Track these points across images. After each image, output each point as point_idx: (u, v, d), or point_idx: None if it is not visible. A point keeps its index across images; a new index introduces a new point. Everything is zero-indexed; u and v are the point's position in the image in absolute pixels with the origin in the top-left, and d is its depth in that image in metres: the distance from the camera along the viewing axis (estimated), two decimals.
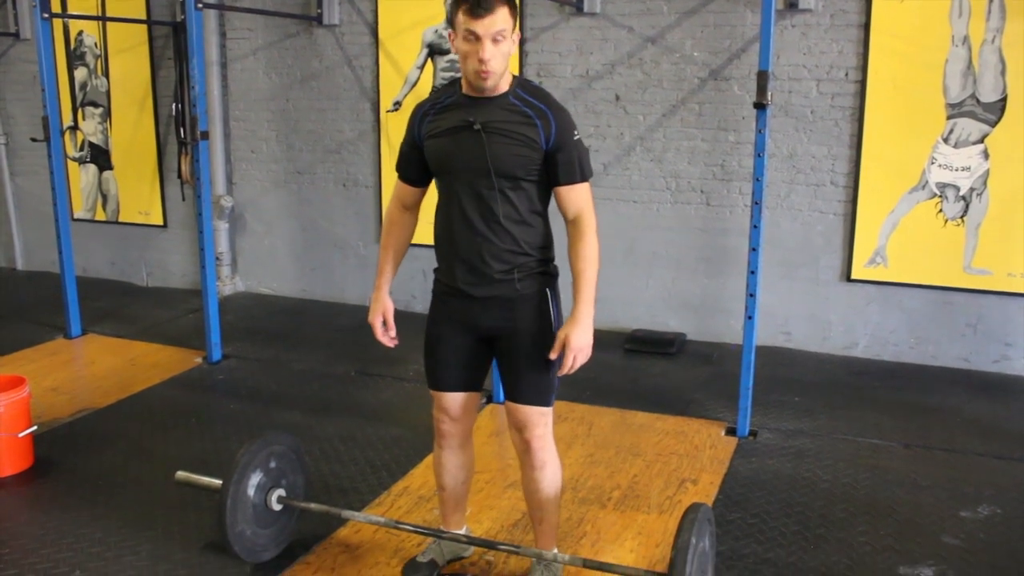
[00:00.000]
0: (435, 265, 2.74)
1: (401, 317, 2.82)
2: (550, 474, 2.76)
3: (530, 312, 2.61)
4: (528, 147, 2.50)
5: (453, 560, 3.02)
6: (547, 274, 2.65)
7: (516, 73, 2.65)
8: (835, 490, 3.56)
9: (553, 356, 2.58)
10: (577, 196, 2.58)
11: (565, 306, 2.64)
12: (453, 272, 2.63)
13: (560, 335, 2.55)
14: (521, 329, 2.61)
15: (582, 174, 2.58)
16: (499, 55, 2.41)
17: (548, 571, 2.84)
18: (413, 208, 2.79)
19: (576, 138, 2.56)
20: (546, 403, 2.68)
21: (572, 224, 2.59)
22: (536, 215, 2.60)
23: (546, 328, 2.62)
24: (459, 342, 2.69)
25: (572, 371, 2.56)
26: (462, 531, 3.02)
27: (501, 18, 2.37)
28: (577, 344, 2.52)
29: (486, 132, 2.49)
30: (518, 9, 2.43)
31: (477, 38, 2.38)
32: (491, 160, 2.48)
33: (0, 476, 3.66)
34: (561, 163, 2.54)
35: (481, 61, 2.39)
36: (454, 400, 2.77)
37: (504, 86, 2.52)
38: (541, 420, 2.68)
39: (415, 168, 2.70)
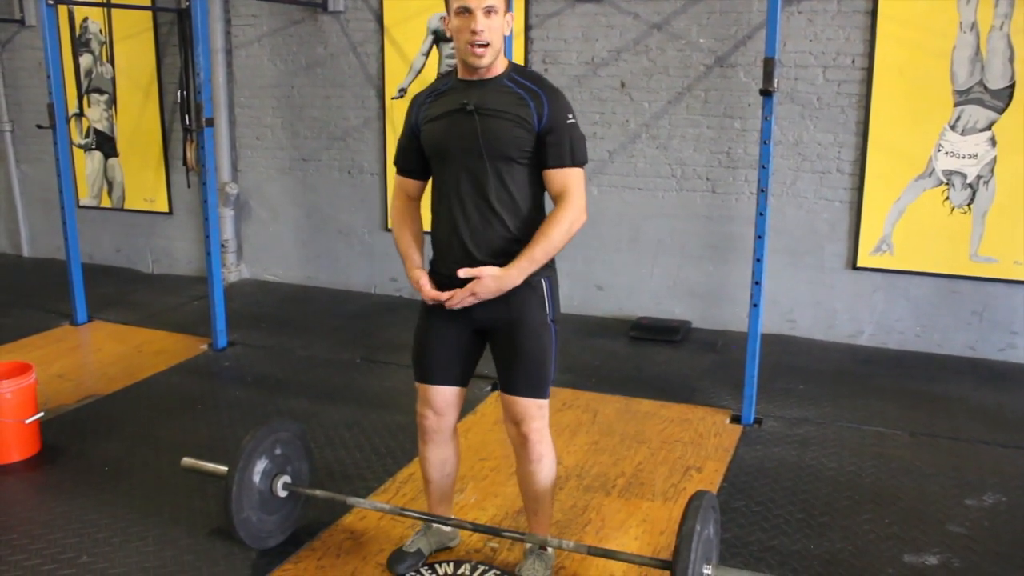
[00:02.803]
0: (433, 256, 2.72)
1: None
2: (547, 466, 2.75)
3: (525, 303, 2.59)
4: (521, 127, 2.49)
5: (440, 550, 3.02)
6: (539, 277, 2.62)
7: (520, 62, 2.64)
8: (840, 478, 3.56)
9: (462, 274, 2.51)
10: (564, 178, 2.54)
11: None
12: (447, 259, 2.62)
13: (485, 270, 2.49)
14: (516, 320, 2.59)
15: (572, 158, 2.54)
16: (492, 28, 2.43)
17: (540, 560, 2.84)
18: (418, 198, 2.77)
19: (570, 122, 2.53)
20: (543, 395, 2.67)
21: (556, 199, 2.56)
22: (530, 203, 2.58)
23: (542, 320, 2.62)
24: (452, 334, 2.67)
25: (454, 302, 2.49)
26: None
27: None
28: (485, 285, 2.45)
29: (479, 114, 2.49)
30: None
31: (469, 12, 2.40)
32: (483, 140, 2.48)
33: (7, 462, 3.68)
34: (551, 145, 2.51)
35: (473, 32, 2.41)
36: (441, 394, 2.75)
37: (499, 68, 2.53)
38: (539, 413, 2.67)
39: (416, 159, 2.68)
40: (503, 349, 2.65)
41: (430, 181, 2.71)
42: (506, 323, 2.60)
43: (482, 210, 2.54)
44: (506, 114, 2.49)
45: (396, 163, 2.75)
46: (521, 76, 2.55)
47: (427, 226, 2.73)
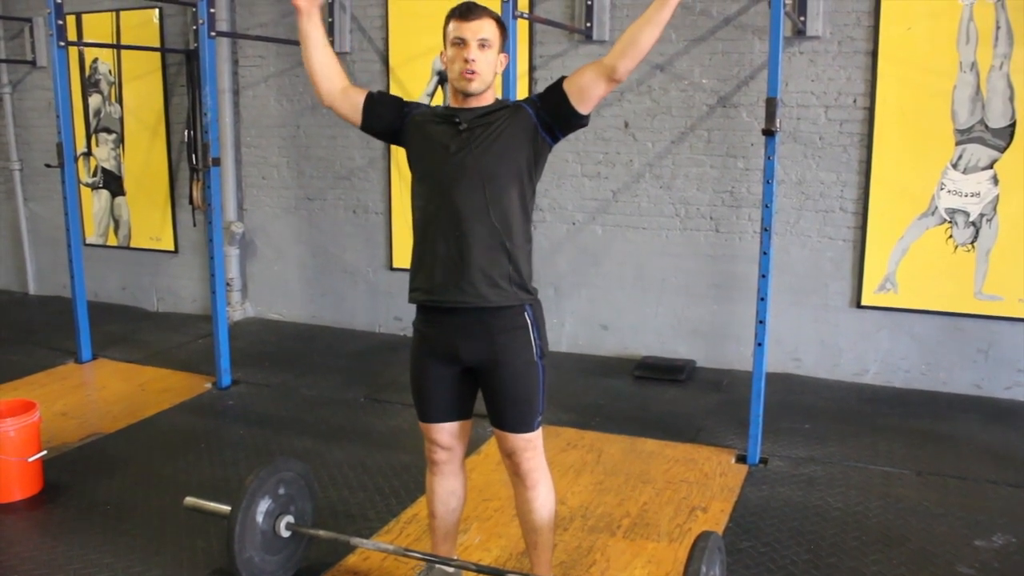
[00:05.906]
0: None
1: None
2: (543, 494, 2.74)
3: (511, 344, 2.59)
4: (514, 129, 2.53)
5: None
6: (524, 303, 2.62)
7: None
8: (847, 518, 3.53)
9: None
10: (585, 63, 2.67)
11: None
12: (430, 286, 2.59)
13: None
14: (503, 362, 2.59)
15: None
16: (484, 60, 2.51)
17: None
18: (341, 90, 2.66)
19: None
20: (530, 429, 2.67)
21: (605, 64, 2.73)
22: (517, 231, 2.57)
23: (528, 359, 2.61)
24: (443, 374, 2.68)
25: None
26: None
27: (488, 27, 2.51)
28: None
29: (471, 131, 2.53)
30: (507, 36, 2.61)
31: (464, 43, 2.49)
32: (473, 156, 2.51)
33: (9, 501, 3.67)
34: (556, 87, 2.64)
35: (466, 60, 2.49)
36: (444, 431, 2.76)
37: (488, 99, 2.59)
38: (528, 444, 2.68)
39: (381, 110, 2.66)
40: (490, 388, 2.66)
41: (412, 199, 2.69)
42: (492, 364, 2.60)
43: (468, 233, 2.52)
44: (495, 124, 2.52)
45: (367, 93, 2.68)
46: (507, 102, 2.65)
47: (405, 263, 2.72)
